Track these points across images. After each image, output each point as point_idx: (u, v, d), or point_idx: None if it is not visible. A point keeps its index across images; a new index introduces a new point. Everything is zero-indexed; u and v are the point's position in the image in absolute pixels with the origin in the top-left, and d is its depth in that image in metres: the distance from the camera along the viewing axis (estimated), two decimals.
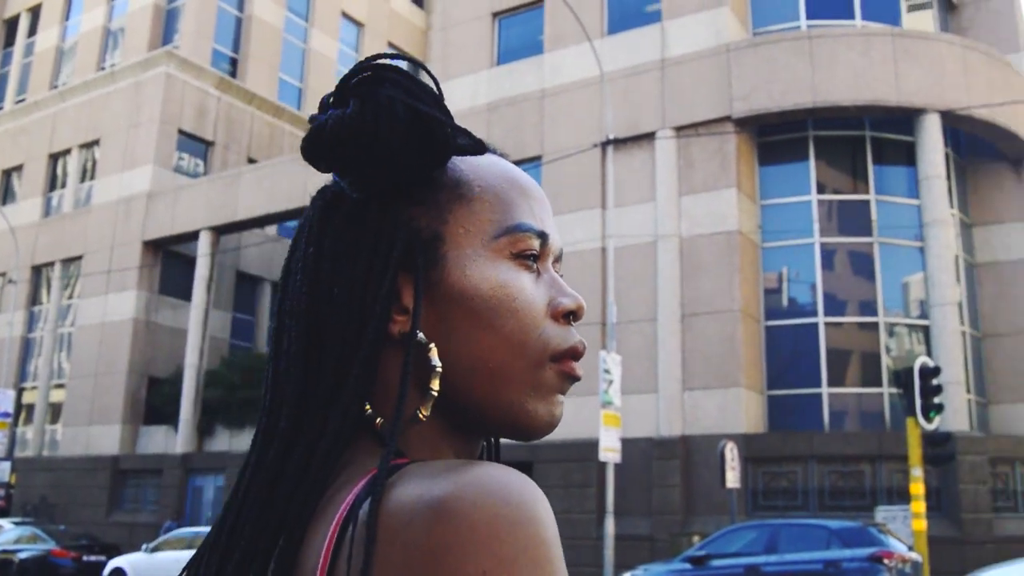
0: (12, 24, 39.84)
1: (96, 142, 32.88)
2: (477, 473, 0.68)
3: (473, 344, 0.83)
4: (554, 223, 0.92)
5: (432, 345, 0.82)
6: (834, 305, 20.75)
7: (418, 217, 0.84)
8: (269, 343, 0.90)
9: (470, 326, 0.83)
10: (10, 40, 39.79)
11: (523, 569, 0.65)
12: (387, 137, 0.82)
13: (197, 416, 27.65)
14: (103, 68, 34.34)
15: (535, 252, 0.87)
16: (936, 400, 15.11)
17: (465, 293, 0.83)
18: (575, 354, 0.88)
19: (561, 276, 0.92)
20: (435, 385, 0.82)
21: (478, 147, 0.91)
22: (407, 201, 0.85)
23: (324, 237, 0.85)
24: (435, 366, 0.82)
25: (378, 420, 0.82)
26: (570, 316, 0.88)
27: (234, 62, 33.86)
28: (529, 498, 0.67)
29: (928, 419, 14.97)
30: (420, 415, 0.82)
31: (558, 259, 0.92)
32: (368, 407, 0.82)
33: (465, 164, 0.88)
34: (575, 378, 0.89)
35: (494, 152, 0.93)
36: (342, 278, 0.83)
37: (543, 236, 0.88)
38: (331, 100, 0.86)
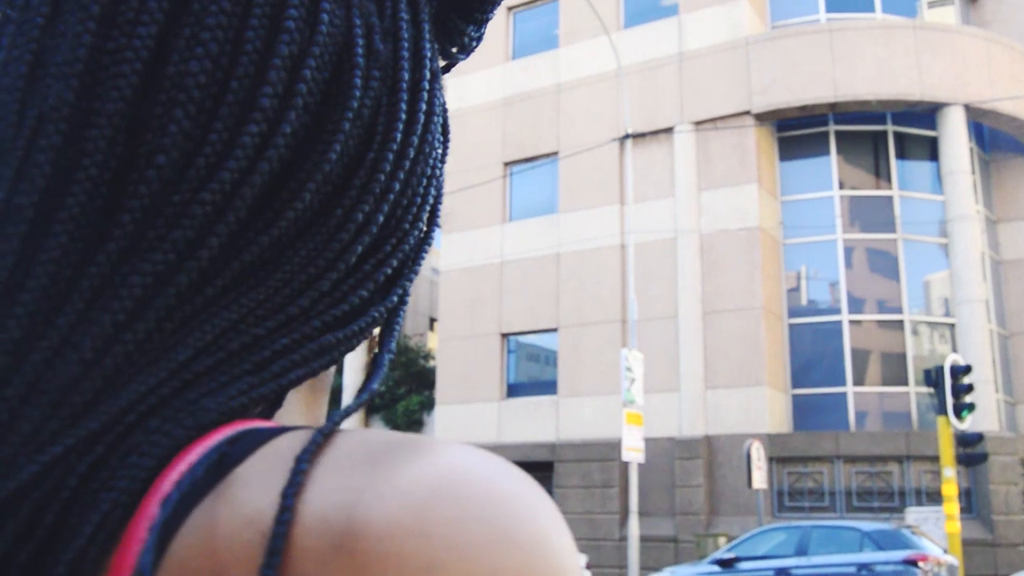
0: None
1: None
2: (450, 465, 0.36)
3: None
4: None
5: None
6: (857, 303, 20.46)
7: None
8: None
9: None
10: None
11: None
12: None
13: None
14: None
15: None
16: (967, 399, 14.89)
17: None
18: None
19: None
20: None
21: None
22: None
23: None
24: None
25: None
26: None
27: None
28: (549, 530, 0.37)
29: (960, 418, 14.76)
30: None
31: None
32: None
33: None
34: None
35: None
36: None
37: None
38: None
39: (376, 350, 0.57)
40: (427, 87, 0.55)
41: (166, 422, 0.41)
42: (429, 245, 0.58)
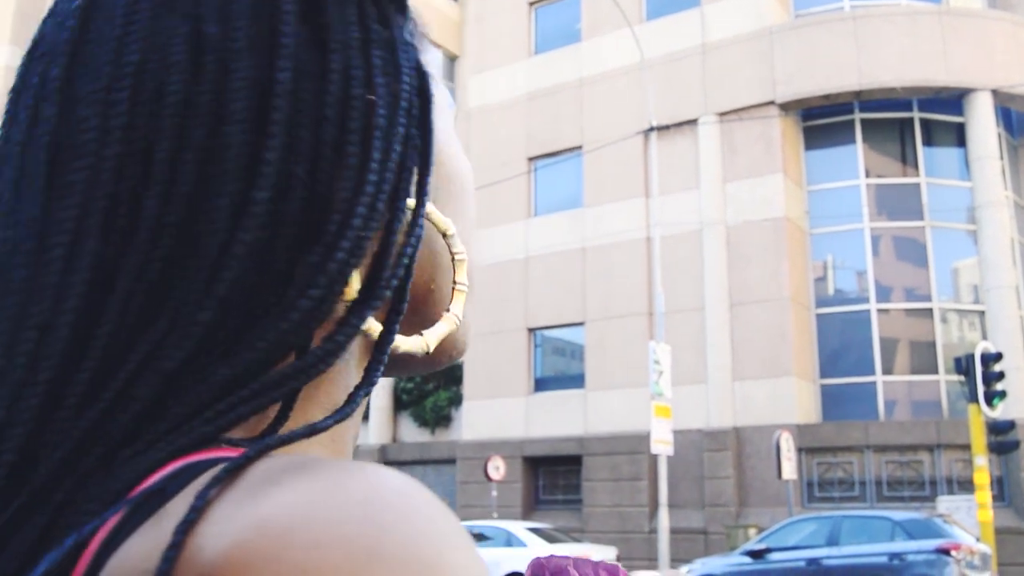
0: None
1: None
2: (321, 488, 0.35)
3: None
4: None
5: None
6: (885, 291, 20.34)
7: None
8: None
9: (453, 211, 0.57)
10: None
11: None
12: None
13: None
14: None
15: None
16: (998, 387, 14.79)
17: (450, 164, 0.57)
18: None
19: None
20: (463, 277, 0.55)
21: None
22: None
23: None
24: (458, 253, 0.55)
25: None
26: None
27: None
28: (422, 545, 0.34)
29: (991, 406, 14.68)
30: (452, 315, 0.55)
31: None
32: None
33: None
34: None
35: None
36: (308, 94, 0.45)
37: None
38: None
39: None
40: (286, 26, 0.46)
41: (107, 478, 0.40)
42: (402, 220, 0.49)
